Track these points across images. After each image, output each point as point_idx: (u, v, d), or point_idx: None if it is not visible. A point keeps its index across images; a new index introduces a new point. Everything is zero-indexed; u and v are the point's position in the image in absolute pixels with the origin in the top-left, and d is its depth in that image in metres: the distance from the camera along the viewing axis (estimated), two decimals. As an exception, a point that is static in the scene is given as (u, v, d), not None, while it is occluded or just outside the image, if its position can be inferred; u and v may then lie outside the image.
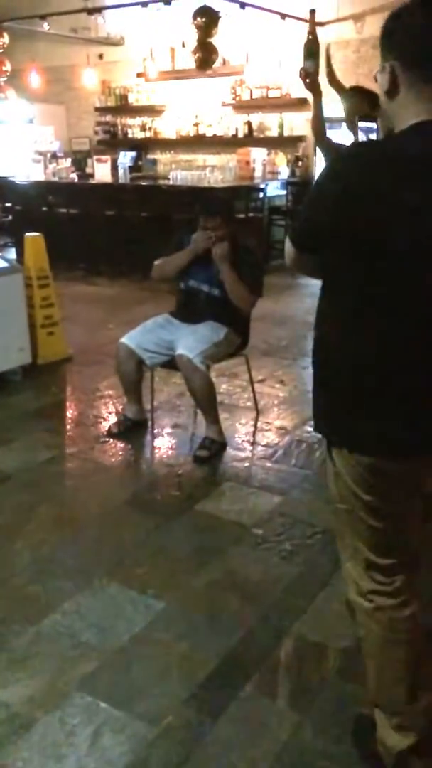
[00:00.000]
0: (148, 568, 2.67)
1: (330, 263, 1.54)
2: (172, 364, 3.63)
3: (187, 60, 9.00)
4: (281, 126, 9.40)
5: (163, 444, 3.80)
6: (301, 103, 9.23)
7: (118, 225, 8.20)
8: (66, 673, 2.15)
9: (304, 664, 2.20)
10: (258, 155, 8.54)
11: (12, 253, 8.78)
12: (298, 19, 8.58)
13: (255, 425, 4.02)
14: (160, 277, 3.81)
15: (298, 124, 9.36)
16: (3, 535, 2.91)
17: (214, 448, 3.60)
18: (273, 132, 9.45)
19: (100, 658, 2.21)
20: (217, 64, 8.32)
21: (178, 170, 8.72)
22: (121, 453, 3.70)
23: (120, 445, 3.78)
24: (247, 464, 3.54)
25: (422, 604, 1.65)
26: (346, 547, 1.72)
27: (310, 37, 3.29)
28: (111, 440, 3.82)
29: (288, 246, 1.65)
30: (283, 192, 8.68)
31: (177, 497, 3.21)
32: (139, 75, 10.12)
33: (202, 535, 2.90)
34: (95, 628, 2.34)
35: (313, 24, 3.49)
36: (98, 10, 9.04)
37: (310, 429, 3.93)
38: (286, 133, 9.39)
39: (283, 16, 8.49)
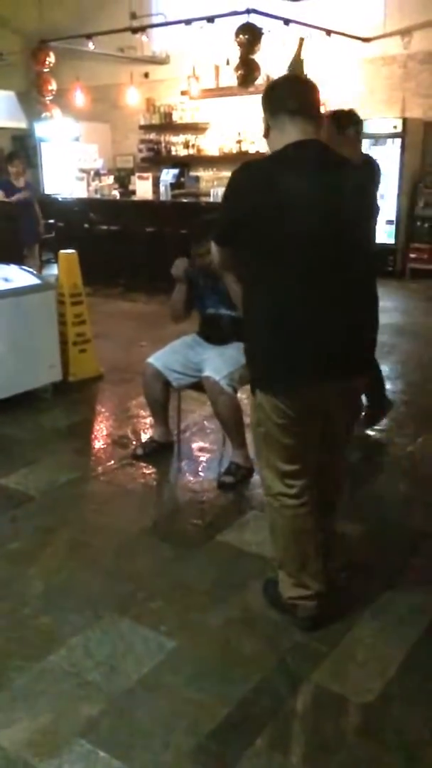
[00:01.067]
0: (162, 602, 2.54)
1: (243, 252, 2.18)
2: (199, 385, 3.52)
3: (231, 77, 8.98)
4: (325, 142, 9.28)
5: (189, 468, 3.68)
6: (345, 120, 9.11)
7: (157, 241, 8.18)
8: (68, 716, 2.03)
9: (321, 718, 2.03)
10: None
11: (54, 269, 8.85)
12: (344, 35, 8.48)
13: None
14: (177, 319, 3.72)
15: (342, 140, 9.22)
16: (18, 560, 2.83)
17: (239, 474, 3.46)
18: (317, 148, 9.34)
19: (105, 700, 2.09)
20: (260, 80, 8.25)
21: (220, 187, 8.66)
22: (144, 476, 3.59)
23: (144, 468, 3.67)
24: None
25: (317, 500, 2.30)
26: (262, 459, 2.35)
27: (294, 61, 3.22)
28: (136, 462, 3.72)
29: (213, 248, 2.36)
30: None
31: (198, 526, 3.08)
32: (183, 93, 10.17)
33: (221, 568, 2.76)
34: (103, 667, 2.22)
35: (300, 51, 3.43)
36: (143, 28, 9.11)
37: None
38: (329, 150, 9.26)
39: (329, 32, 8.41)
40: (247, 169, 2.16)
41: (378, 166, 3.75)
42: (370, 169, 3.65)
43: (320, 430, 2.27)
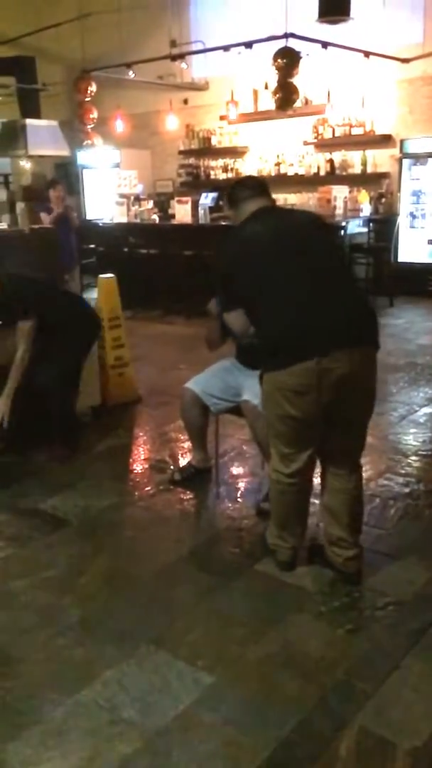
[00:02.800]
0: (199, 635, 2.46)
1: (246, 299, 2.72)
2: (238, 410, 3.46)
3: (270, 101, 9.01)
4: (364, 163, 9.22)
5: (227, 494, 3.61)
6: (385, 140, 9.05)
7: (196, 264, 8.19)
8: (102, 755, 1.97)
9: (366, 763, 1.92)
10: (339, 193, 8.36)
11: (94, 293, 8.95)
12: (383, 56, 8.45)
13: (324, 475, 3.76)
14: (212, 348, 3.67)
15: (382, 160, 9.16)
16: (54, 588, 2.79)
17: (279, 501, 3.38)
18: (356, 169, 9.29)
19: (140, 738, 2.02)
20: (298, 103, 8.26)
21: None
22: (182, 503, 3.53)
23: (182, 493, 3.62)
24: (313, 520, 3.28)
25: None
26: (270, 437, 2.79)
27: None
28: (173, 488, 3.66)
29: (227, 316, 2.88)
30: (365, 229, 8.45)
31: (236, 555, 3.00)
32: (221, 118, 10.24)
33: (260, 600, 2.68)
34: (138, 703, 2.15)
35: None
36: (182, 56, 9.23)
37: (386, 482, 3.65)
38: (369, 170, 9.20)
39: (367, 54, 8.38)
40: (228, 240, 2.92)
41: None
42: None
43: (318, 421, 2.61)
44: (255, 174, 10.19)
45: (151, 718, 2.09)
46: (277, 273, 2.59)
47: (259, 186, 2.90)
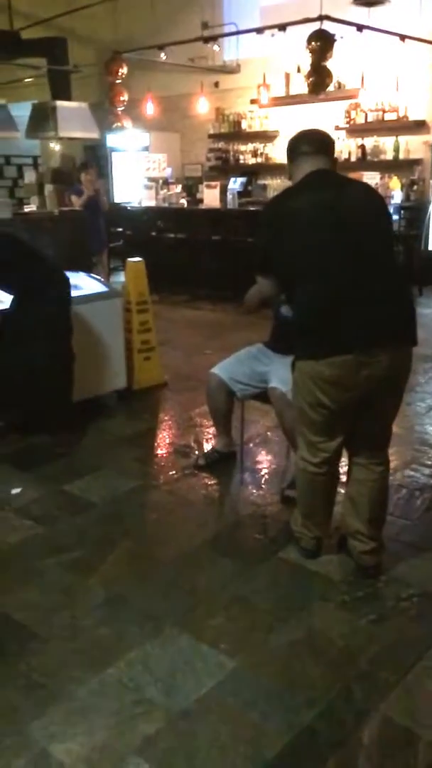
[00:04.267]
0: (222, 619, 2.47)
1: (282, 266, 2.62)
2: (264, 396, 3.45)
3: (302, 85, 8.88)
4: (397, 149, 9.07)
5: (251, 480, 3.61)
6: (418, 126, 8.89)
7: (223, 250, 8.17)
8: (125, 734, 1.99)
9: (388, 753, 1.92)
10: (370, 179, 8.23)
11: (121, 277, 8.97)
12: (418, 39, 8.28)
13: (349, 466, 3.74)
14: (248, 312, 3.63)
15: (415, 146, 9.00)
16: (80, 568, 2.82)
17: (304, 489, 3.37)
18: (388, 155, 9.14)
19: (162, 719, 2.04)
20: (331, 87, 8.13)
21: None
22: (206, 488, 3.54)
23: (206, 478, 3.63)
24: (338, 508, 3.26)
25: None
26: (297, 426, 2.76)
27: None
28: (198, 473, 3.68)
29: (258, 279, 2.84)
30: (396, 217, 8.31)
31: (260, 541, 3.01)
32: (252, 101, 10.14)
33: (283, 586, 2.68)
34: (161, 684, 2.17)
35: None
36: (214, 38, 9.13)
37: (412, 472, 3.63)
38: (401, 156, 9.05)
39: (403, 37, 8.21)
40: (272, 200, 2.82)
41: None
42: None
43: (349, 411, 2.58)
44: (285, 159, 10.12)
45: (175, 699, 2.11)
46: (322, 256, 2.47)
47: (321, 143, 2.69)
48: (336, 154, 8.66)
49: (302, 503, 2.83)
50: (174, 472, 3.70)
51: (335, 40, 7.31)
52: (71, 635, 2.42)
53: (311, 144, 2.67)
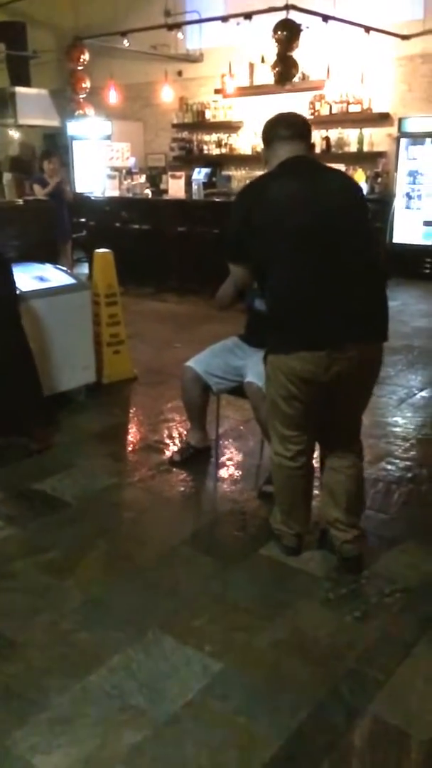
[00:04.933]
0: (205, 620, 2.42)
1: (255, 254, 2.51)
2: (239, 390, 3.40)
3: (266, 75, 8.84)
4: (361, 141, 9.11)
5: (227, 476, 3.56)
6: (383, 118, 8.94)
7: (189, 241, 8.08)
8: (111, 743, 1.92)
9: (380, 754, 1.90)
10: (336, 171, 8.25)
11: (84, 268, 8.80)
12: (383, 32, 8.31)
13: (322, 457, 3.72)
14: (222, 308, 3.57)
15: (379, 139, 9.05)
16: (55, 570, 2.73)
17: (282, 484, 3.34)
18: (352, 147, 9.18)
19: (149, 726, 1.98)
20: (296, 78, 8.11)
21: (253, 187, 8.53)
22: (182, 484, 3.48)
23: (182, 474, 3.56)
24: (316, 503, 3.24)
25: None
26: (269, 421, 2.71)
27: None
28: (173, 469, 3.61)
29: (230, 268, 2.72)
30: (361, 209, 8.35)
31: (240, 539, 2.96)
32: (216, 91, 10.05)
33: (266, 585, 2.64)
34: (146, 690, 2.11)
35: None
36: (179, 25, 9.01)
37: (389, 466, 3.63)
38: (365, 149, 9.10)
39: (368, 29, 8.24)
40: (248, 186, 2.66)
41: None
42: None
43: (321, 404, 2.57)
44: (249, 150, 10.07)
45: (160, 705, 2.05)
46: (298, 248, 2.40)
47: (299, 126, 2.59)
48: None
49: (281, 500, 2.79)
50: (148, 468, 3.62)
51: (301, 30, 7.28)
52: (50, 641, 2.33)
53: (289, 128, 2.57)
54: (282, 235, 2.41)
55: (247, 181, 9.19)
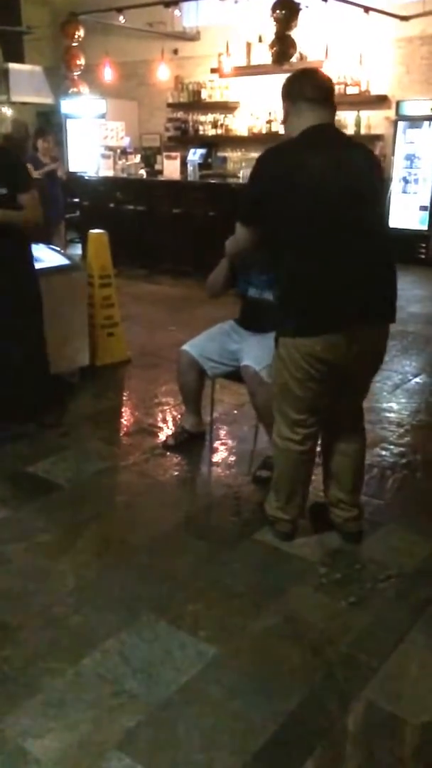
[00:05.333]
0: (200, 605, 2.41)
1: (270, 225, 2.43)
2: (235, 375, 3.38)
3: (263, 55, 8.73)
4: (358, 124, 9.04)
5: (222, 460, 3.55)
6: (380, 101, 8.86)
7: (184, 223, 8.01)
8: (104, 727, 1.92)
9: (375, 739, 1.90)
10: (333, 154, 8.19)
11: (78, 249, 8.72)
12: (382, 12, 8.21)
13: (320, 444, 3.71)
14: (213, 295, 3.53)
15: (377, 122, 8.99)
16: (48, 553, 2.71)
17: (276, 469, 3.33)
18: (349, 130, 9.08)
19: (143, 711, 1.97)
20: (294, 59, 8.00)
21: (248, 168, 8.44)
22: (176, 468, 3.46)
23: (176, 458, 3.55)
24: (311, 489, 3.23)
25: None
26: (276, 404, 2.66)
27: None
28: (167, 453, 3.59)
29: (237, 229, 2.61)
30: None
31: (234, 523, 2.95)
32: (213, 71, 9.92)
33: (260, 569, 2.63)
34: (140, 674, 2.10)
35: None
36: (175, 2, 8.86)
37: (383, 452, 3.62)
38: (363, 132, 9.02)
39: (367, 9, 8.14)
40: (271, 153, 2.47)
41: None
42: None
43: (335, 386, 2.54)
44: (246, 131, 9.96)
45: (154, 689, 2.05)
46: (324, 227, 2.33)
47: (325, 89, 2.46)
48: None
49: (283, 485, 2.74)
50: (142, 452, 3.60)
51: (300, 9, 7.17)
52: (44, 624, 2.32)
53: (317, 89, 2.44)
54: (310, 210, 2.33)
55: (236, 166, 9.07)
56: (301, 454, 2.65)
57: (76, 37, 9.07)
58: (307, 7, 7.40)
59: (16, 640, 2.25)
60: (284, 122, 2.52)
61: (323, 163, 2.35)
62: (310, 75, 2.54)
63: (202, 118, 10.49)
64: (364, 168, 2.45)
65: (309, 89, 2.44)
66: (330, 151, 2.40)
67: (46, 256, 4.48)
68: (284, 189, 2.34)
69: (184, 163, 8.70)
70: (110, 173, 9.07)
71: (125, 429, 4.01)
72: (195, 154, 9.08)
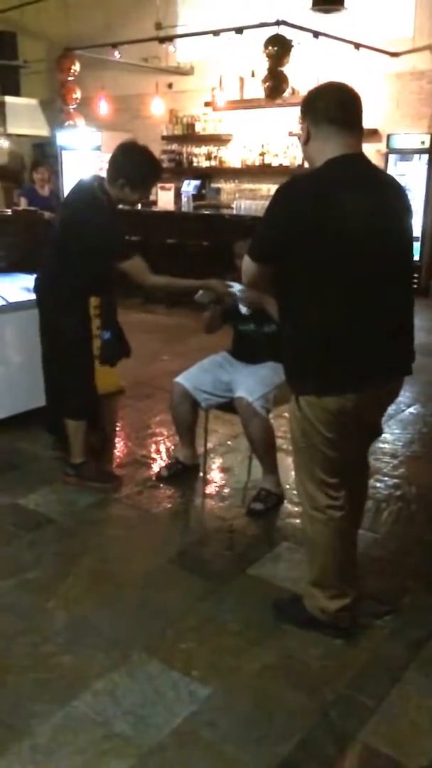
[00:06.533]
0: (193, 643, 2.36)
1: (287, 268, 2.13)
2: (229, 406, 3.36)
3: (256, 89, 8.88)
4: (350, 157, 9.14)
5: (215, 492, 3.51)
6: (371, 134, 8.98)
7: (178, 253, 8.04)
8: (94, 773, 1.86)
9: (372, 784, 1.85)
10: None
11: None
12: (372, 49, 8.38)
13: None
14: (210, 331, 3.52)
15: (368, 155, 8.96)
16: (38, 590, 2.66)
17: (270, 502, 3.29)
18: (341, 163, 9.20)
19: (134, 755, 1.92)
20: (286, 93, 8.14)
21: (242, 200, 8.54)
22: (169, 500, 3.42)
23: (169, 490, 3.51)
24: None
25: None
26: (304, 472, 2.32)
27: None
28: (160, 485, 3.55)
29: (246, 262, 2.23)
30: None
31: (228, 558, 2.91)
32: (206, 104, 10.08)
33: (254, 606, 2.58)
34: (131, 717, 2.05)
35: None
36: (170, 38, 9.04)
37: (378, 483, 3.60)
38: (354, 165, 9.13)
39: (357, 46, 8.30)
40: (295, 186, 2.15)
41: None
42: None
43: (368, 436, 2.41)
44: (239, 163, 10.09)
45: (146, 733, 1.99)
46: (350, 276, 2.08)
47: (354, 110, 2.16)
48: (290, 160, 8.01)
49: (333, 566, 2.34)
50: (135, 484, 3.57)
51: (292, 46, 7.31)
52: (32, 664, 2.26)
53: (346, 109, 2.14)
54: (336, 260, 2.07)
55: (229, 197, 9.10)
56: (343, 519, 2.31)
57: (71, 71, 9.22)
58: (299, 43, 7.55)
59: (4, 681, 2.19)
60: (305, 144, 2.20)
61: (356, 204, 2.05)
62: (338, 91, 2.19)
63: (196, 150, 10.62)
64: (398, 211, 2.20)
65: (334, 108, 2.12)
66: (363, 191, 2.09)
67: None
68: (308, 231, 2.04)
69: (178, 194, 8.78)
70: (105, 204, 9.13)
71: (118, 460, 3.97)
72: (189, 186, 9.17)
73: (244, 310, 3.25)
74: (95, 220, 3.25)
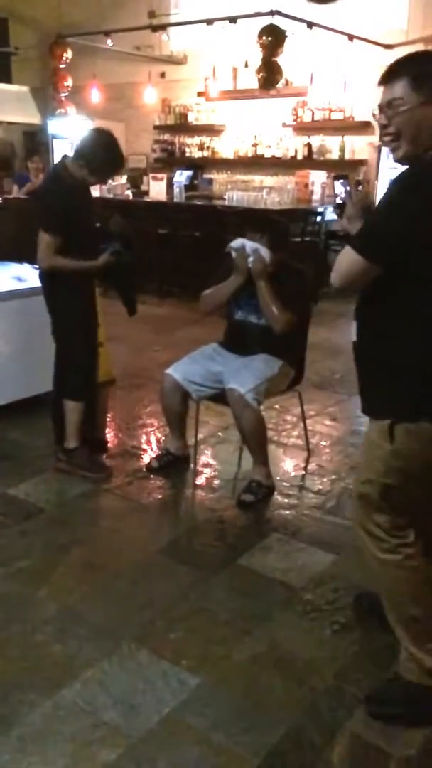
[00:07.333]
0: (182, 633, 2.37)
1: (396, 272, 1.79)
2: (220, 397, 3.37)
3: (249, 80, 8.83)
4: (342, 149, 9.12)
5: (206, 483, 3.52)
6: (364, 127, 8.97)
7: (170, 244, 8.03)
8: (83, 761, 1.87)
9: (359, 772, 1.87)
10: (317, 178, 8.27)
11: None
12: (366, 40, 8.35)
13: (305, 468, 3.70)
14: (208, 310, 3.53)
15: (360, 147, 9.08)
16: (28, 579, 2.66)
17: (260, 493, 3.30)
18: (333, 155, 9.19)
19: (123, 744, 1.92)
20: (279, 84, 8.11)
21: (234, 191, 8.50)
22: (159, 491, 3.43)
23: (159, 482, 3.51)
24: (296, 513, 3.22)
25: None
26: (373, 516, 1.97)
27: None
28: (150, 476, 3.55)
29: (350, 258, 1.84)
30: (342, 217, 8.37)
31: (218, 548, 2.92)
32: (199, 94, 10.01)
33: (244, 595, 2.59)
34: (120, 705, 2.05)
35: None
36: (163, 27, 8.97)
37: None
38: (347, 157, 9.11)
39: (351, 37, 8.26)
40: (420, 179, 1.78)
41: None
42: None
43: None
44: (231, 154, 10.05)
45: (135, 721, 2.00)
46: None
47: None
48: (282, 152, 7.98)
49: (424, 611, 1.99)
50: (125, 475, 3.56)
51: (286, 36, 7.28)
52: (21, 654, 2.26)
53: None
54: None
55: (221, 188, 9.03)
56: (418, 553, 1.99)
57: (63, 58, 9.14)
58: (293, 34, 7.52)
59: (-6, 670, 2.19)
60: (405, 123, 1.86)
61: None
62: None
63: (188, 140, 10.56)
64: None
65: None
66: None
67: (29, 276, 4.46)
68: None
69: (170, 185, 8.74)
70: (96, 194, 9.07)
71: (108, 451, 3.96)
72: (181, 176, 9.12)
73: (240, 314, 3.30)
74: (45, 187, 3.53)
